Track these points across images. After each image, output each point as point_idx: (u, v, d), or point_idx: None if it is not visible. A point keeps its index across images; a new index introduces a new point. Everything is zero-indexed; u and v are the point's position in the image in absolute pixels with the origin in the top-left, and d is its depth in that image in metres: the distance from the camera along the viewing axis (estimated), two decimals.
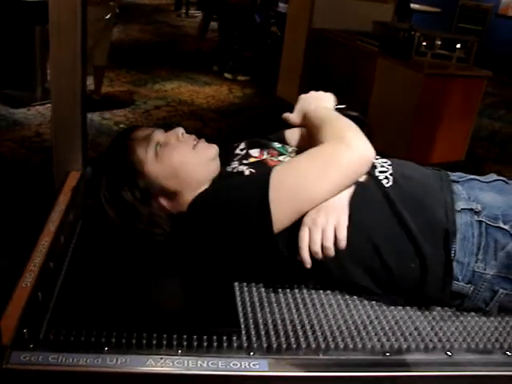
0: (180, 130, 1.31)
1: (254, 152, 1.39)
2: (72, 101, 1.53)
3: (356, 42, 4.52)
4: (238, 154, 1.40)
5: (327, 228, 1.12)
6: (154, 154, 1.26)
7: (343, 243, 1.12)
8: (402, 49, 4.01)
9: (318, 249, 1.11)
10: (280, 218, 1.14)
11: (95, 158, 1.46)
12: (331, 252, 1.12)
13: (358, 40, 4.50)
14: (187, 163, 1.27)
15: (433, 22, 8.21)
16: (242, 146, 1.44)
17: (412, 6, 7.16)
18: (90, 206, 1.33)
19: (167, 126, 1.38)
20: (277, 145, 1.43)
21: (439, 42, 3.95)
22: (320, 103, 1.38)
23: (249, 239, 1.16)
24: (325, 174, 1.15)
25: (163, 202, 1.28)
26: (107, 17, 4.43)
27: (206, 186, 1.29)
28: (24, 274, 1.11)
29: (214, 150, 1.33)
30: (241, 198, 1.17)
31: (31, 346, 0.96)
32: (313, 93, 1.43)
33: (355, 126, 1.23)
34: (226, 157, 1.39)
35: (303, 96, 1.43)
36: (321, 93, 1.43)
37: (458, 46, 4.00)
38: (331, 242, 1.11)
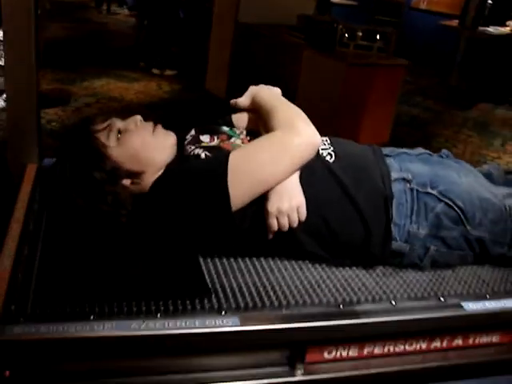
0: (138, 117, 1.41)
1: (205, 138, 1.49)
2: (26, 97, 1.60)
3: (282, 36, 4.66)
4: (189, 140, 1.51)
5: (292, 213, 1.28)
6: (116, 139, 1.36)
7: (304, 217, 1.30)
8: (326, 41, 4.19)
9: (286, 229, 1.29)
10: (237, 198, 1.26)
11: (54, 148, 1.53)
12: (296, 225, 1.30)
13: (285, 33, 4.64)
14: (147, 146, 1.37)
15: (351, 14, 8.53)
16: (193, 132, 1.55)
17: None
18: (54, 192, 1.40)
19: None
20: (225, 128, 1.55)
21: (360, 34, 4.15)
22: (269, 90, 1.51)
23: (209, 217, 1.28)
24: (278, 160, 1.28)
25: (127, 182, 1.37)
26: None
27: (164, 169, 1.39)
28: (1, 259, 1.18)
29: (171, 136, 1.43)
30: (201, 181, 1.28)
31: (21, 319, 1.04)
32: (262, 85, 1.56)
33: (302, 112, 1.36)
34: (178, 143, 1.49)
35: (253, 86, 1.55)
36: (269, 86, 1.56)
37: (378, 37, 4.23)
38: (296, 222, 1.29)
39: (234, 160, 1.27)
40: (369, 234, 1.35)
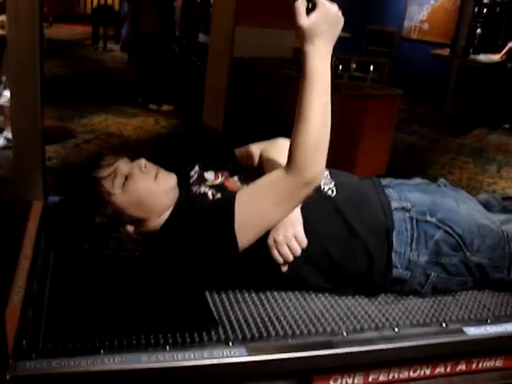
0: (143, 162, 1.43)
1: (209, 175, 1.53)
2: (32, 135, 1.63)
3: (278, 69, 4.74)
4: (194, 177, 1.55)
5: (290, 242, 1.31)
6: (121, 186, 1.38)
7: (304, 244, 1.32)
8: None
9: (291, 259, 1.32)
10: (244, 241, 1.30)
11: (58, 188, 1.55)
12: (299, 252, 1.32)
13: (282, 67, 4.71)
14: (151, 192, 1.40)
15: (345, 45, 8.70)
16: (196, 168, 1.59)
17: None
18: (59, 233, 1.42)
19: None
20: (228, 165, 1.59)
21: (354, 65, 4.25)
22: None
23: (217, 258, 1.32)
24: (284, 206, 1.32)
25: (130, 228, 1.40)
26: None
27: (169, 211, 1.42)
28: (11, 295, 1.20)
29: (173, 179, 1.45)
30: (210, 225, 1.31)
31: (33, 355, 1.06)
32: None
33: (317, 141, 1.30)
34: (183, 180, 1.53)
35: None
36: None
37: (372, 67, 4.32)
38: (298, 250, 1.32)
39: (240, 206, 1.30)
40: (371, 264, 1.38)
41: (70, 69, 8.21)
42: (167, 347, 1.12)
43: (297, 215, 1.35)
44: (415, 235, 1.42)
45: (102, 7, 11.01)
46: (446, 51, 7.77)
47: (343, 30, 1.28)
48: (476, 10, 7.38)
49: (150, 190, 1.39)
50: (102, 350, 1.09)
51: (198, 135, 5.46)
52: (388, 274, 1.40)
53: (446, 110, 7.46)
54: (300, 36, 1.24)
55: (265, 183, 1.33)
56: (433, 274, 1.42)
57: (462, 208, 1.51)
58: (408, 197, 1.50)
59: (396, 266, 1.40)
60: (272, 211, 1.31)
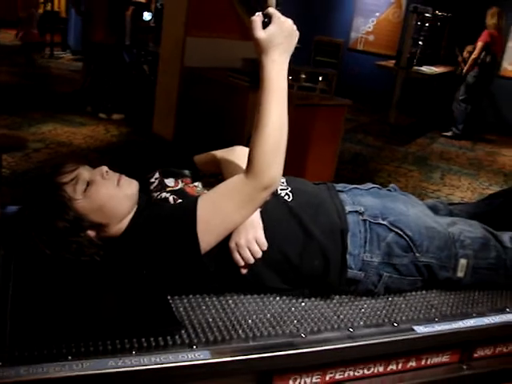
0: (104, 168, 1.45)
1: (170, 181, 1.57)
2: None
3: (228, 79, 4.78)
4: (154, 184, 1.57)
5: (251, 245, 1.36)
6: (83, 192, 1.40)
7: (265, 247, 1.38)
8: None
9: (252, 261, 1.37)
10: (205, 244, 1.34)
11: (20, 196, 1.55)
12: (260, 255, 1.37)
13: (229, 76, 4.78)
14: (113, 198, 1.42)
15: (294, 56, 8.82)
16: (157, 175, 1.61)
17: None
18: (20, 241, 1.42)
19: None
20: (187, 172, 1.63)
21: (304, 76, 4.35)
22: None
23: (180, 262, 1.36)
24: (244, 210, 1.37)
25: (91, 233, 1.42)
26: None
27: (130, 217, 1.45)
28: None
29: (135, 185, 1.48)
30: (172, 230, 1.35)
31: (0, 363, 1.06)
32: None
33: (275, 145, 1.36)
34: (144, 187, 1.55)
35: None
36: None
37: (320, 78, 4.43)
38: (259, 252, 1.37)
39: (202, 210, 1.34)
40: (327, 265, 1.44)
41: (17, 76, 8.04)
42: (133, 352, 1.14)
43: (257, 219, 1.40)
44: (368, 237, 1.50)
45: (48, 13, 10.80)
46: (390, 63, 8.01)
47: None
48: (419, 23, 7.63)
49: (111, 195, 1.41)
50: (69, 356, 1.10)
51: (149, 144, 5.45)
52: (343, 275, 1.47)
53: (391, 119, 7.69)
54: (257, 48, 1.32)
55: (226, 188, 1.38)
56: (385, 274, 1.50)
57: (411, 211, 1.60)
58: (361, 201, 1.58)
59: (351, 266, 1.47)
60: (233, 214, 1.35)
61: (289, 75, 1.38)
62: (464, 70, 7.28)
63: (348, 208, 1.54)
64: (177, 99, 5.36)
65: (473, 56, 7.12)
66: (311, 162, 4.47)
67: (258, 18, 1.31)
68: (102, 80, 6.18)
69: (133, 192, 1.46)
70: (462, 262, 1.58)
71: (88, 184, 1.41)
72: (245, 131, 4.55)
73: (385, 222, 1.53)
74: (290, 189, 1.53)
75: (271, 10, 1.32)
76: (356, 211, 1.54)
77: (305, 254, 1.44)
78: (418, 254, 1.53)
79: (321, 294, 1.49)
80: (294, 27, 1.34)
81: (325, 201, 1.55)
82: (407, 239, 1.52)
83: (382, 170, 5.63)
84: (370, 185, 1.71)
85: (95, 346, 1.14)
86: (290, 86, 4.55)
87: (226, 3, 5.19)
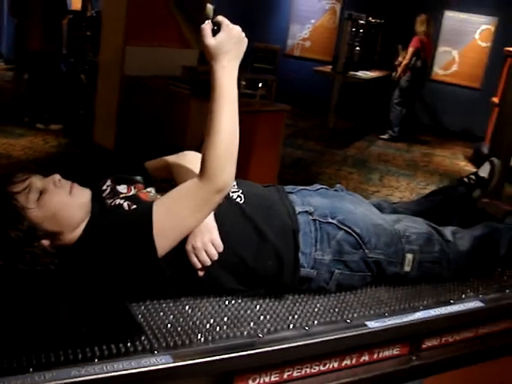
0: (57, 177, 1.44)
1: (122, 188, 1.57)
2: None
3: (168, 87, 4.78)
4: (107, 191, 1.57)
5: (207, 247, 1.39)
6: (36, 201, 1.38)
7: (221, 249, 1.41)
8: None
9: (208, 264, 1.40)
10: (162, 248, 1.35)
11: None
12: (216, 257, 1.40)
13: (170, 84, 4.77)
14: (66, 206, 1.41)
15: None
16: (108, 182, 1.61)
17: None
18: None
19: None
20: (139, 178, 1.63)
21: (244, 83, 4.40)
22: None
23: (137, 267, 1.36)
24: (198, 213, 1.39)
25: (45, 242, 1.40)
26: None
27: (84, 224, 1.44)
28: None
29: (87, 193, 1.48)
30: (128, 235, 1.36)
31: None
32: None
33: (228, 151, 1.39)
34: (96, 195, 1.54)
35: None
36: None
37: (260, 84, 4.49)
38: (215, 255, 1.40)
39: (157, 215, 1.35)
40: (281, 264, 1.48)
41: None
42: (95, 359, 1.14)
43: (211, 221, 1.42)
44: (319, 236, 1.55)
45: None
46: (327, 68, 8.19)
47: None
48: (354, 29, 7.85)
49: (64, 204, 1.41)
50: (30, 369, 1.09)
51: (89, 154, 5.37)
52: (296, 274, 1.51)
53: (329, 124, 7.86)
54: (208, 55, 1.35)
55: (180, 192, 1.40)
56: (336, 271, 1.55)
57: (358, 210, 1.66)
58: (310, 201, 1.63)
59: (303, 265, 1.52)
60: (188, 218, 1.37)
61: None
62: (397, 75, 7.54)
63: (298, 209, 1.58)
64: (117, 108, 5.32)
65: (404, 61, 7.39)
66: (254, 167, 4.51)
67: (207, 25, 1.35)
68: (39, 90, 6.04)
69: (86, 200, 1.46)
70: (409, 256, 1.65)
71: (41, 193, 1.40)
72: (186, 139, 4.55)
73: (334, 221, 1.58)
74: (241, 191, 1.57)
75: (220, 17, 1.36)
76: (306, 211, 1.58)
77: (259, 255, 1.47)
78: (367, 251, 1.59)
79: (276, 293, 1.52)
80: (243, 34, 1.38)
81: (275, 202, 1.58)
82: (356, 237, 1.58)
83: (322, 173, 5.75)
84: (318, 185, 1.77)
85: (56, 356, 1.13)
86: None
87: (165, 12, 5.19)
